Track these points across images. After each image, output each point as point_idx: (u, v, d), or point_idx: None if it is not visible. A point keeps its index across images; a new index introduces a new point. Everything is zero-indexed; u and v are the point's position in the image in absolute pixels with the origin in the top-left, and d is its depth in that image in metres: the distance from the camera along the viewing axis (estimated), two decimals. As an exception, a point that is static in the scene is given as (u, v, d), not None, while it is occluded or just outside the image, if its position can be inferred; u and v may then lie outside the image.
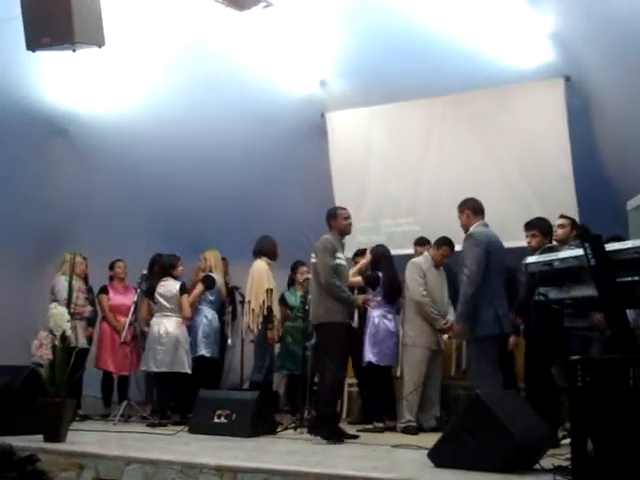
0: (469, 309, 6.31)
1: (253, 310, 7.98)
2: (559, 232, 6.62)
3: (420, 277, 7.54)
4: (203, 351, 8.26)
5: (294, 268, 8.87)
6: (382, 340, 7.69)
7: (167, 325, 7.92)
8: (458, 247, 7.65)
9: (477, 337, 6.35)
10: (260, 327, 8.00)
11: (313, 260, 6.82)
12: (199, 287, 8.42)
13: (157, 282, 8.08)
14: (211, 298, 8.55)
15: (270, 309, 7.98)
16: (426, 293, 7.49)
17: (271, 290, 8.00)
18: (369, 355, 7.72)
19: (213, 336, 8.43)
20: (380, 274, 7.85)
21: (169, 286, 8.07)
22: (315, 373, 8.47)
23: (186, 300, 8.09)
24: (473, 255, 6.33)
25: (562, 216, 6.73)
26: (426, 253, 7.80)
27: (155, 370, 7.85)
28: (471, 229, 6.53)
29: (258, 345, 8.18)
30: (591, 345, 6.26)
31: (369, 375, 7.84)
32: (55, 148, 9.16)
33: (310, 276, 7.09)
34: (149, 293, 8.13)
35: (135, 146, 9.00)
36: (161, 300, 8.01)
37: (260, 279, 7.99)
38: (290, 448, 6.03)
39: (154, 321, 7.98)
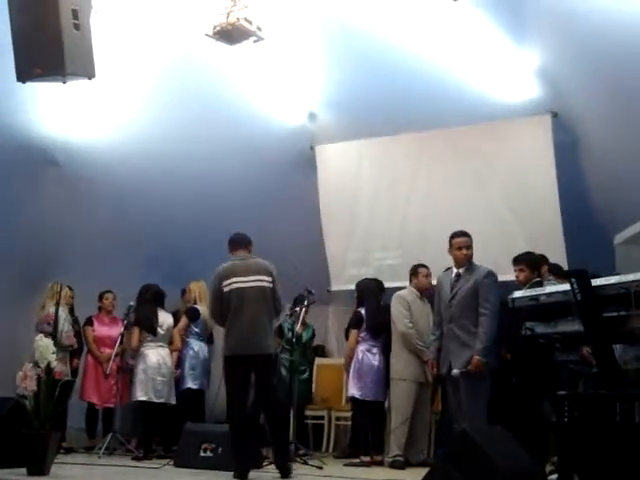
0: (492, 344, 6.38)
1: None
2: (520, 277, 6.63)
3: (405, 309, 7.56)
4: (190, 384, 8.26)
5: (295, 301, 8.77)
6: (366, 374, 7.69)
7: (164, 355, 7.98)
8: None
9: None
10: None
11: None
12: (183, 320, 8.46)
13: (153, 313, 8.06)
14: (197, 330, 8.57)
15: None
16: (411, 325, 7.49)
17: None
18: (352, 390, 7.76)
19: (200, 367, 8.45)
20: (362, 310, 7.87)
21: (163, 316, 8.10)
22: (305, 405, 8.51)
23: (177, 332, 8.15)
24: (496, 291, 6.45)
25: (516, 261, 6.72)
26: (409, 286, 7.79)
27: (155, 401, 7.81)
28: (485, 266, 6.62)
29: None
30: (579, 380, 6.26)
31: (354, 409, 7.83)
32: (45, 178, 9.13)
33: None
34: (144, 323, 8.05)
35: (124, 177, 9.00)
36: (159, 330, 8.01)
37: None
38: (276, 482, 5.99)
39: (150, 352, 7.94)
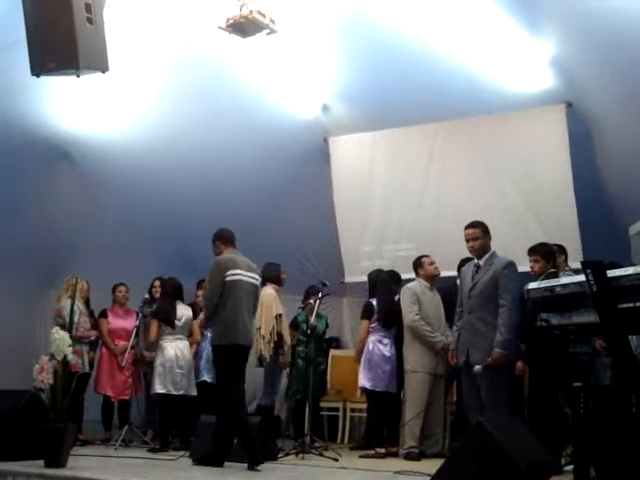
0: (515, 336, 6.33)
1: (264, 337, 7.94)
2: (535, 268, 6.60)
3: (413, 302, 7.53)
4: (206, 377, 8.28)
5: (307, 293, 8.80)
6: (376, 365, 7.66)
7: (182, 348, 8.00)
8: (452, 272, 7.67)
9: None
10: (272, 353, 7.97)
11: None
12: (205, 312, 8.46)
13: (172, 305, 8.09)
14: None
15: (280, 335, 7.98)
16: (418, 317, 7.46)
17: (280, 315, 8.00)
18: (363, 380, 7.72)
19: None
20: (374, 301, 7.88)
21: (182, 309, 8.13)
22: (319, 396, 8.54)
23: (197, 324, 8.17)
24: (516, 283, 6.37)
25: (530, 252, 6.69)
26: (418, 278, 7.76)
27: (174, 393, 7.84)
28: (505, 257, 6.58)
29: (269, 371, 8.13)
30: (591, 371, 6.24)
31: (367, 400, 7.83)
32: (58, 172, 9.18)
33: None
34: (162, 316, 8.08)
35: (137, 170, 9.02)
36: (177, 323, 8.05)
37: (269, 306, 7.97)
38: (292, 474, 6.00)
39: (168, 344, 7.96)
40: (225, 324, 6.37)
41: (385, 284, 7.96)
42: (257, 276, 6.69)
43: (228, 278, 6.40)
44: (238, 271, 6.45)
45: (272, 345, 7.93)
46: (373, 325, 7.81)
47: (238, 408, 6.32)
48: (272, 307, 7.98)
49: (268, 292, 8.01)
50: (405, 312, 7.58)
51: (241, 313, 6.40)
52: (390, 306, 7.80)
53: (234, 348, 6.34)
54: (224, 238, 6.72)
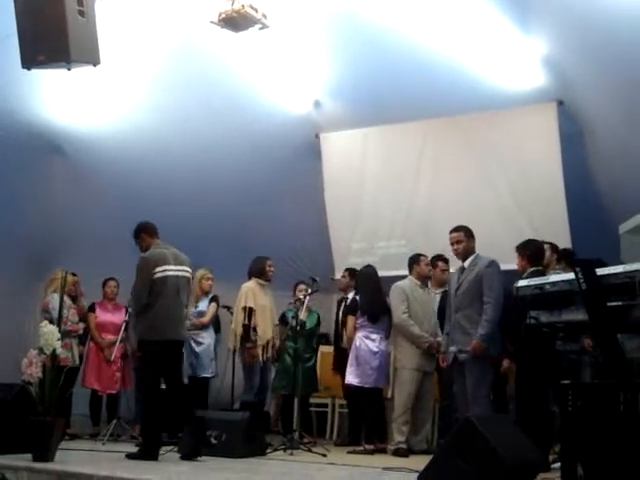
0: (494, 331, 6.46)
1: (234, 330, 8.01)
2: (519, 266, 6.61)
3: (402, 300, 7.54)
4: (207, 372, 8.43)
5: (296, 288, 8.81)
6: (364, 361, 7.64)
7: None
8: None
9: (488, 355, 6.44)
10: (240, 346, 7.98)
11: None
12: (214, 307, 8.63)
13: None
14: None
15: (248, 328, 7.92)
16: (405, 316, 7.47)
17: (249, 308, 7.95)
18: (350, 377, 7.71)
19: (213, 356, 8.62)
20: (357, 297, 7.90)
21: None
22: (310, 393, 8.54)
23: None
24: (499, 280, 6.54)
25: (516, 249, 6.70)
26: (410, 276, 7.76)
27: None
28: (487, 256, 6.69)
29: (243, 365, 8.14)
30: (580, 370, 6.26)
31: (353, 396, 7.83)
32: (50, 165, 9.14)
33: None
34: None
35: (130, 164, 8.99)
36: None
37: (239, 299, 8.04)
38: (281, 470, 6.00)
39: None
40: (153, 320, 6.40)
41: (367, 278, 7.92)
42: (187, 268, 6.64)
43: (156, 275, 6.42)
44: (166, 267, 6.45)
45: (238, 338, 7.93)
46: (360, 321, 7.80)
47: (153, 402, 6.44)
48: (242, 300, 7.99)
49: (245, 286, 8.07)
50: (393, 310, 7.59)
51: (171, 309, 6.43)
52: (374, 298, 7.79)
53: (160, 344, 6.37)
54: (148, 230, 6.75)
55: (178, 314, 6.50)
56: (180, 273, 6.54)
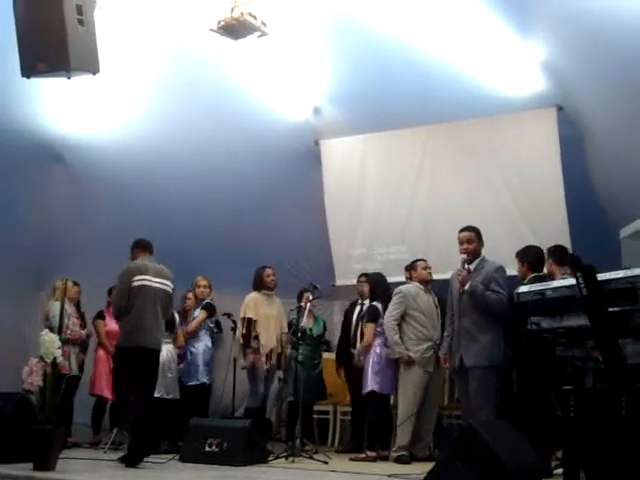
0: (486, 299, 6.46)
1: (238, 340, 8.16)
2: (519, 272, 6.63)
3: (399, 303, 7.47)
4: (204, 379, 8.45)
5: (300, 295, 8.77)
6: (385, 368, 7.60)
7: (171, 351, 8.14)
8: (443, 275, 7.65)
9: (492, 365, 6.42)
10: (241, 355, 8.08)
11: None
12: (203, 314, 8.61)
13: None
14: (211, 325, 8.77)
15: (247, 337, 8.01)
16: (393, 320, 7.41)
17: (249, 319, 8.05)
18: (372, 384, 7.61)
19: (210, 363, 8.62)
20: (379, 305, 7.84)
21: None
22: (317, 400, 8.52)
23: (181, 330, 8.36)
24: (506, 286, 6.50)
25: (516, 255, 6.71)
26: (412, 282, 7.73)
27: (166, 397, 7.87)
28: (494, 261, 6.71)
29: (249, 373, 8.15)
30: (585, 375, 6.23)
31: (368, 403, 7.76)
32: (50, 173, 9.16)
33: None
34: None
35: (129, 172, 9.01)
36: None
37: (241, 310, 8.19)
38: (282, 477, 5.99)
39: (163, 348, 7.94)
40: (131, 327, 6.66)
41: (386, 287, 7.94)
42: (168, 282, 6.90)
43: (134, 283, 6.68)
44: (145, 277, 6.73)
45: (239, 347, 8.07)
46: (380, 328, 7.75)
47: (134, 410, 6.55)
48: (242, 311, 8.15)
49: (248, 297, 8.22)
50: (387, 310, 7.55)
51: (147, 317, 6.66)
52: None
53: (137, 351, 6.58)
54: (141, 246, 7.03)
55: (152, 323, 6.71)
56: (159, 286, 6.81)
